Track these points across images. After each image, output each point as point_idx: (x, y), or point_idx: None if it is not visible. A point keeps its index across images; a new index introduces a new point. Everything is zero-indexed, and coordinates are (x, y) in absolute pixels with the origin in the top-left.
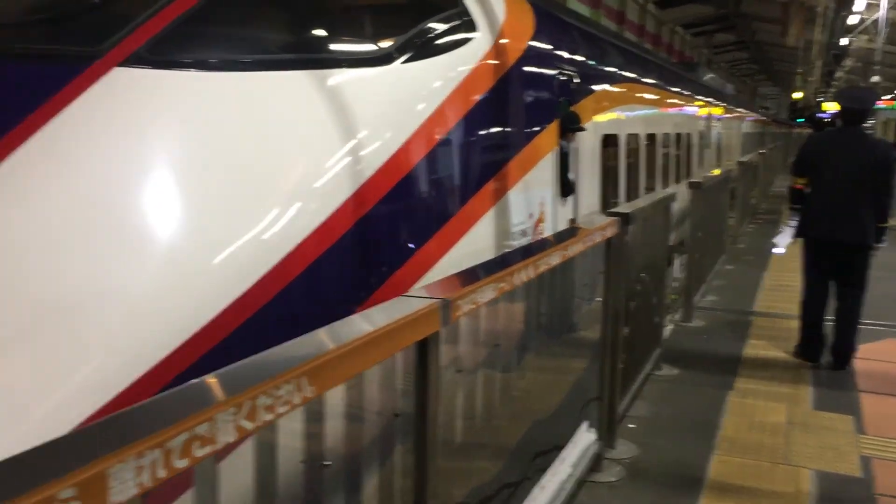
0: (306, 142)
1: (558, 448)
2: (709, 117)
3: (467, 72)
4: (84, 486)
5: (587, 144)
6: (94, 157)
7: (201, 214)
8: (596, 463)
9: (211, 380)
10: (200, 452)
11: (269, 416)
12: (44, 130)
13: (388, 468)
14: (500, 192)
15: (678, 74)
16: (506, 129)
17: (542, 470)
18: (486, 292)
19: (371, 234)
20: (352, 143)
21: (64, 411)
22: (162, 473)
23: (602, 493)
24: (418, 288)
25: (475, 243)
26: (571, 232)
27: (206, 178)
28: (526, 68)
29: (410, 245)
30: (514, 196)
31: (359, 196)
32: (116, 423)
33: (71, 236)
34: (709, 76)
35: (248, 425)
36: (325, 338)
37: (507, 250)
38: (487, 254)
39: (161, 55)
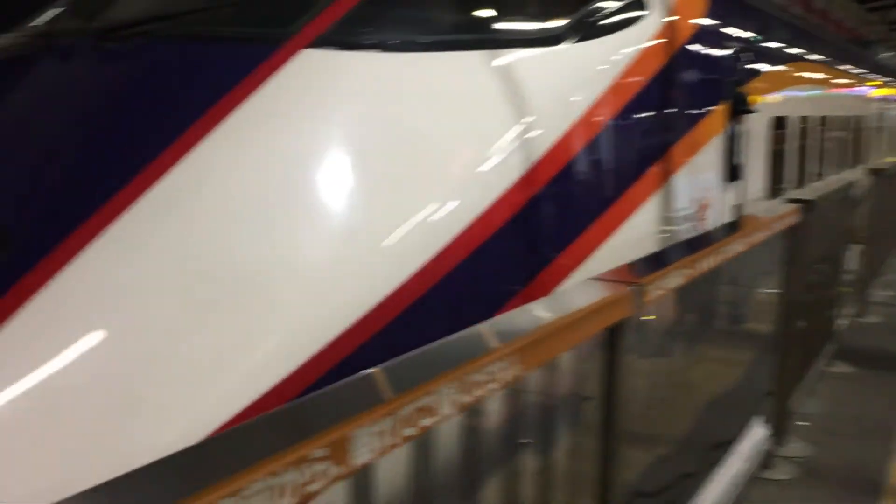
0: (481, 123)
1: (729, 442)
2: (884, 99)
3: (637, 52)
4: (333, 446)
5: (755, 127)
6: (283, 139)
7: (384, 194)
8: (767, 459)
9: (431, 352)
10: (425, 422)
11: (480, 392)
12: (236, 113)
13: (574, 450)
14: (664, 177)
15: (851, 52)
16: (673, 112)
17: (714, 463)
18: (674, 278)
19: (537, 217)
20: (522, 125)
21: (247, 384)
22: (390, 441)
23: (773, 490)
24: (606, 272)
25: (636, 229)
26: (752, 220)
27: (389, 159)
28: (696, 47)
29: (573, 230)
30: (678, 181)
31: (527, 179)
32: (353, 389)
33: (260, 216)
34: (885, 55)
35: (465, 399)
36: (527, 318)
37: (668, 237)
38: (648, 241)
39: (347, 36)
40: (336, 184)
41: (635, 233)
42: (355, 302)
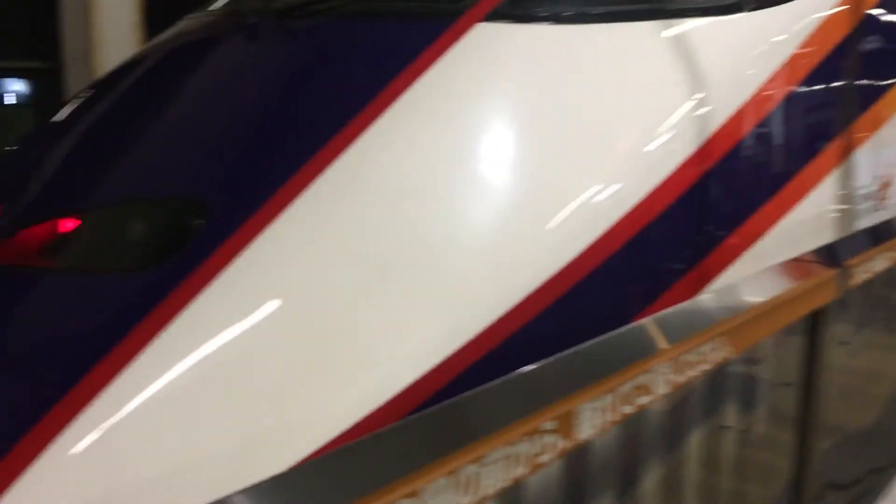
0: (653, 97)
1: None
2: None
3: (819, 20)
4: (562, 420)
5: None
6: (457, 116)
7: (559, 168)
8: None
9: (648, 330)
10: (642, 401)
11: (692, 373)
12: (411, 90)
13: (768, 438)
14: (844, 153)
15: None
16: (855, 84)
17: None
18: (881, 261)
19: (707, 196)
20: (697, 98)
21: (415, 361)
22: (610, 417)
23: None
24: (806, 253)
25: (811, 208)
26: None
27: (562, 135)
28: (883, 14)
29: (746, 210)
30: (860, 157)
31: (699, 156)
32: (573, 363)
33: (433, 194)
34: None
35: (678, 379)
36: (732, 300)
37: (846, 216)
38: (823, 220)
39: (520, 9)
40: (509, 162)
41: (811, 211)
42: (520, 284)
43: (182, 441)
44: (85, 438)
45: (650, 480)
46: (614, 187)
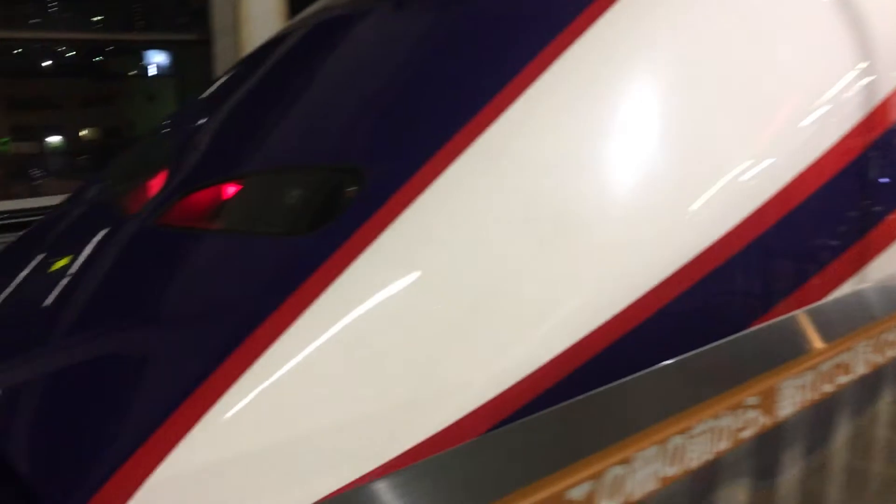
0: (821, 61)
1: None
2: None
3: None
4: (764, 395)
5: None
6: (617, 79)
7: (716, 138)
8: None
9: (848, 302)
10: (841, 380)
11: (892, 353)
12: (571, 50)
13: None
14: None
15: None
16: None
17: None
18: None
19: (873, 168)
20: (864, 65)
21: (565, 329)
22: (810, 395)
23: None
24: None
25: None
26: None
27: (725, 100)
28: None
29: None
30: None
31: (864, 126)
32: (776, 335)
33: (589, 158)
34: None
35: (877, 359)
36: None
37: None
38: None
39: None
40: (666, 131)
41: None
42: (670, 258)
43: (340, 402)
44: (248, 397)
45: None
46: (772, 159)
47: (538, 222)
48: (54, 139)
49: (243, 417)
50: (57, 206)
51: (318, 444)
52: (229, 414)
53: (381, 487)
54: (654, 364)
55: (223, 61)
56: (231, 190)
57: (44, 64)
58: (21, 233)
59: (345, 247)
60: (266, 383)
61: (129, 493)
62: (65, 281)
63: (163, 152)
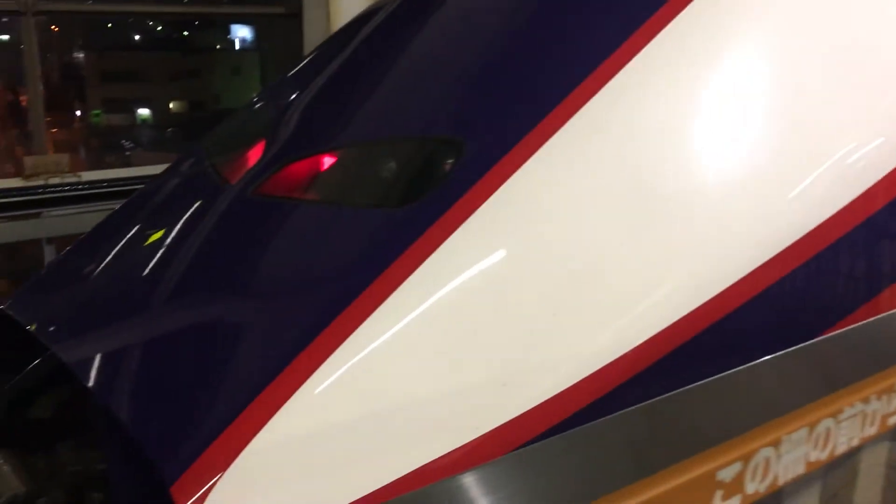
0: None
1: None
2: None
3: None
4: None
5: None
6: (725, 50)
7: (826, 116)
8: None
9: None
10: None
11: None
12: (677, 21)
13: None
14: None
15: None
16: None
17: None
18: None
19: None
20: None
21: (668, 305)
22: None
23: None
24: None
25: None
26: None
27: (836, 75)
28: None
29: None
30: None
31: None
32: None
33: (693, 133)
34: None
35: None
36: None
37: None
38: None
39: None
40: (774, 106)
41: None
42: (777, 237)
43: (434, 375)
44: (344, 367)
45: None
46: (882, 139)
47: (640, 197)
48: (143, 112)
49: (340, 387)
50: (157, 175)
51: (412, 417)
52: (326, 384)
53: (534, 453)
54: (753, 349)
55: (312, 34)
56: (328, 161)
57: (135, 38)
58: (122, 201)
59: (442, 220)
60: (362, 354)
61: (231, 457)
62: (166, 248)
63: (260, 124)
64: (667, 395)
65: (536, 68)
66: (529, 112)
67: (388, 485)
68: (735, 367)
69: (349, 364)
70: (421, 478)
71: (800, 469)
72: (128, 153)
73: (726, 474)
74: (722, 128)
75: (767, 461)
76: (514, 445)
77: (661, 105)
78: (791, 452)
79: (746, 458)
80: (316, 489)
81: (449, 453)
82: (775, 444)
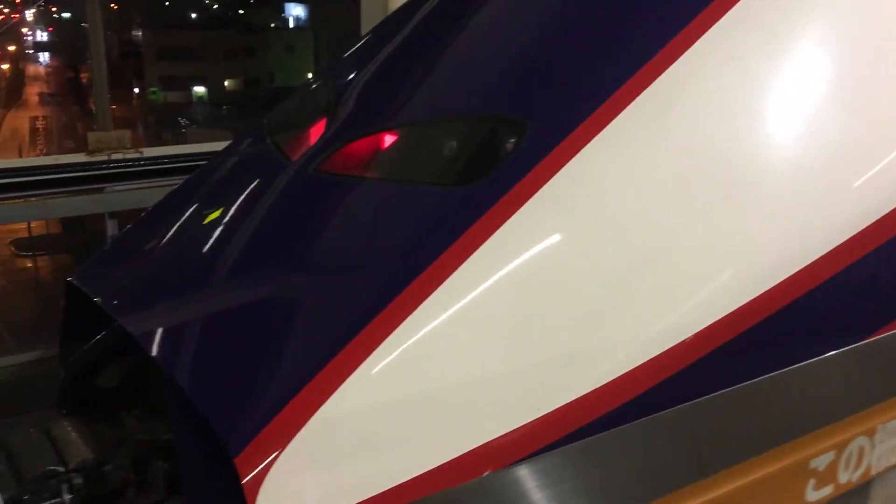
0: None
1: None
2: None
3: None
4: None
5: None
6: (793, 32)
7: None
8: None
9: None
10: None
11: None
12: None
13: None
14: None
15: None
16: None
17: None
18: None
19: None
20: None
21: (737, 286)
22: None
23: None
24: None
25: None
26: None
27: None
28: None
29: None
30: None
31: None
32: None
33: (758, 114)
34: None
35: None
36: None
37: None
38: None
39: None
40: (844, 93)
41: None
42: (847, 221)
43: (495, 353)
44: (406, 344)
45: None
46: None
47: (704, 179)
48: (199, 89)
49: (401, 364)
50: (218, 152)
51: (472, 396)
52: (387, 360)
53: (615, 437)
54: (819, 334)
55: (370, 13)
56: (389, 139)
57: (191, 16)
58: (184, 177)
59: (505, 199)
60: (423, 332)
61: (294, 430)
62: (228, 224)
63: (321, 102)
64: (756, 379)
65: (601, 48)
66: (593, 92)
67: (447, 462)
68: (803, 357)
69: (410, 342)
70: (479, 456)
71: (894, 459)
72: (184, 130)
73: (819, 462)
74: (795, 110)
75: (861, 450)
76: (574, 427)
77: (726, 87)
78: (886, 442)
79: (841, 447)
80: (376, 464)
81: (508, 433)
82: (870, 433)
